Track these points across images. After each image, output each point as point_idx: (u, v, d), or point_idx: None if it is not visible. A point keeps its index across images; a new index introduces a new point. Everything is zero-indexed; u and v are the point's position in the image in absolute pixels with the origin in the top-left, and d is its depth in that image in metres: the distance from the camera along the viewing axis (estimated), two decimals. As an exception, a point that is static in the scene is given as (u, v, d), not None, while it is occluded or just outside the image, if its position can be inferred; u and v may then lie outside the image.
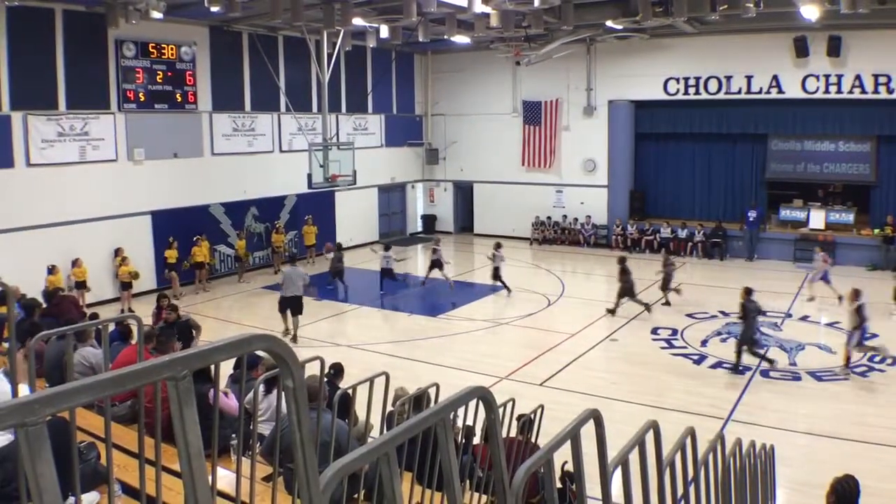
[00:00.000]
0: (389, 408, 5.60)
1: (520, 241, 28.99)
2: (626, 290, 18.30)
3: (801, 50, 23.15)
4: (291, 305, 16.48)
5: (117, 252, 19.51)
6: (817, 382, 13.43)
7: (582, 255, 26.95)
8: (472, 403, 2.06)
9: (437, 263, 20.91)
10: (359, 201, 28.18)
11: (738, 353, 14.10)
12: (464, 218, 32.44)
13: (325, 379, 6.35)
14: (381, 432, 5.95)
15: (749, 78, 24.69)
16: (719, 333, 16.55)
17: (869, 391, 13.01)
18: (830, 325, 17.32)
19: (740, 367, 14.08)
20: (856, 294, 14.20)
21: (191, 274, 21.43)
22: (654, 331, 16.86)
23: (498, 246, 20.82)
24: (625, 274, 18.41)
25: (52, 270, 17.41)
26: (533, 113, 29.15)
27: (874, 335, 14.97)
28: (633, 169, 28.29)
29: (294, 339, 16.35)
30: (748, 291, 14.25)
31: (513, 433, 7.09)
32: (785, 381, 13.57)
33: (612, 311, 18.37)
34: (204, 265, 21.62)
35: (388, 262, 21.06)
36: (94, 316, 11.10)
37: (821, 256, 20.07)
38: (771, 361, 14.19)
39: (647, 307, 18.35)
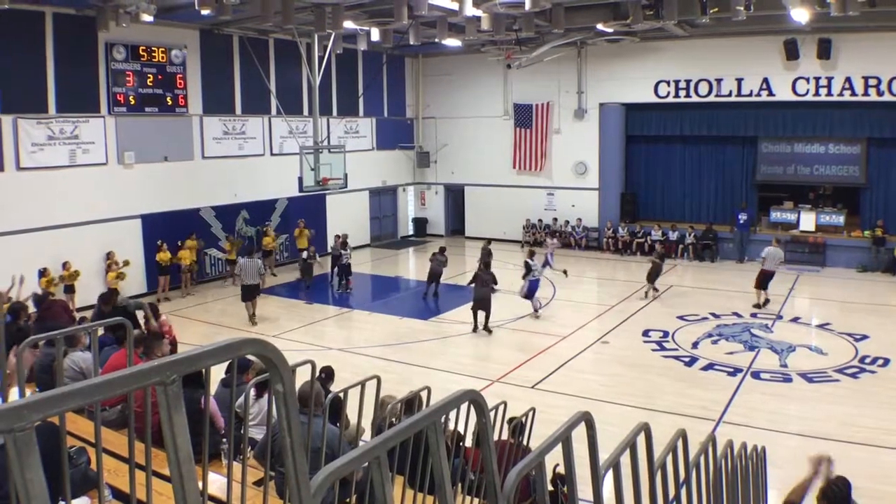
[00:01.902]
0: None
1: (511, 244, 29.00)
2: (434, 274, 21.00)
3: (792, 53, 23.22)
4: (250, 292, 18.37)
5: (108, 256, 19.44)
6: (808, 384, 13.47)
7: (573, 258, 26.96)
8: (464, 407, 2.05)
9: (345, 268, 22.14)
10: (350, 204, 28.14)
11: (475, 316, 17.37)
12: (455, 221, 32.45)
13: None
14: (373, 436, 5.93)
15: (739, 80, 24.76)
16: (710, 335, 16.57)
17: (859, 392, 13.04)
18: (821, 326, 17.36)
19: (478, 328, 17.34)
20: (531, 254, 19.29)
21: (178, 277, 21.37)
22: (646, 333, 16.89)
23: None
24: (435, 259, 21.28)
25: (43, 273, 17.36)
26: (524, 116, 29.18)
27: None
28: (624, 171, 28.34)
29: (251, 318, 18.48)
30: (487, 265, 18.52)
31: (504, 436, 7.09)
32: (776, 382, 13.60)
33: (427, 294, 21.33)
34: (186, 267, 21.54)
35: (346, 258, 21.92)
36: (84, 320, 11.06)
37: (551, 242, 23.61)
38: (491, 331, 17.22)
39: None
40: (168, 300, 20.17)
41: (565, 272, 21.69)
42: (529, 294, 18.57)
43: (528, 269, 18.54)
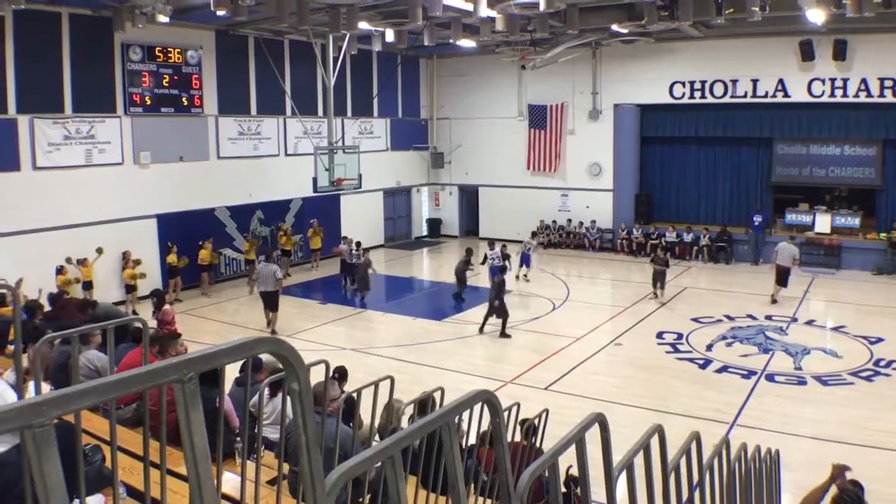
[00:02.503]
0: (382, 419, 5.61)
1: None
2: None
3: (807, 54, 23.12)
4: (269, 300, 17.36)
5: (125, 255, 19.52)
6: (823, 387, 13.40)
7: (587, 259, 26.93)
8: (477, 407, 2.05)
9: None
10: (364, 205, 28.18)
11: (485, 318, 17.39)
12: (469, 221, 32.44)
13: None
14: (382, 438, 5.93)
15: (755, 82, 24.66)
16: (724, 338, 16.51)
17: (874, 395, 12.97)
18: (836, 329, 17.27)
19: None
20: (490, 245, 21.06)
21: (196, 277, 21.47)
22: (660, 335, 16.84)
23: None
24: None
25: (60, 270, 17.46)
26: (538, 117, 29.15)
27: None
28: (639, 173, 28.26)
29: (268, 326, 17.56)
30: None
31: (517, 438, 7.09)
32: (790, 385, 13.54)
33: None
34: (209, 268, 21.67)
35: (356, 258, 21.78)
36: (98, 319, 11.09)
37: (528, 241, 24.02)
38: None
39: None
40: (180, 301, 20.25)
41: (526, 276, 23.03)
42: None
43: (485, 258, 20.81)
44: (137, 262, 19.61)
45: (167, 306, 14.14)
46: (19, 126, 17.76)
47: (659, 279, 20.05)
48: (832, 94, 23.56)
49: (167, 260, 20.60)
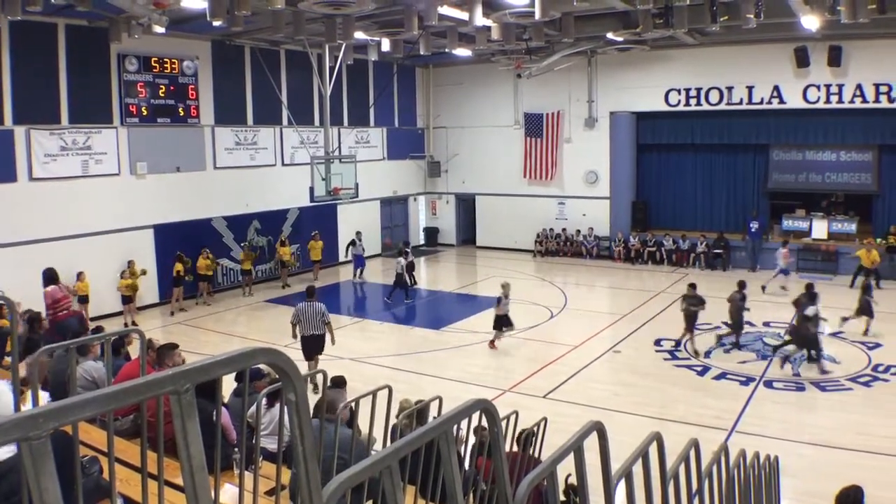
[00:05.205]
0: (393, 419, 5.59)
1: (522, 254, 28.98)
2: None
3: (802, 60, 23.19)
4: (317, 346, 14.00)
5: (130, 264, 19.50)
6: (821, 393, 13.39)
7: (584, 267, 26.92)
8: (475, 416, 2.05)
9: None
10: (361, 214, 28.17)
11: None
12: (466, 230, 32.43)
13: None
14: (384, 446, 5.93)
15: (750, 88, 24.72)
16: (723, 344, 16.48)
17: (872, 401, 12.96)
18: (834, 335, 17.26)
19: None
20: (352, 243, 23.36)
21: (194, 287, 21.43)
22: (657, 342, 16.82)
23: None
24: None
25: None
26: (534, 125, 29.18)
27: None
28: (635, 180, 28.29)
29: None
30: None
31: (516, 448, 7.07)
32: (789, 391, 13.53)
33: None
34: (208, 278, 21.65)
35: (402, 268, 21.82)
36: (98, 330, 11.09)
37: (782, 251, 22.06)
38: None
39: None
40: (184, 311, 20.24)
41: (784, 288, 21.34)
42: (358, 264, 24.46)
43: (353, 243, 24.33)
44: (143, 272, 19.58)
45: (52, 287, 13.76)
46: (16, 137, 17.76)
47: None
48: (827, 101, 23.63)
49: (176, 269, 20.51)
